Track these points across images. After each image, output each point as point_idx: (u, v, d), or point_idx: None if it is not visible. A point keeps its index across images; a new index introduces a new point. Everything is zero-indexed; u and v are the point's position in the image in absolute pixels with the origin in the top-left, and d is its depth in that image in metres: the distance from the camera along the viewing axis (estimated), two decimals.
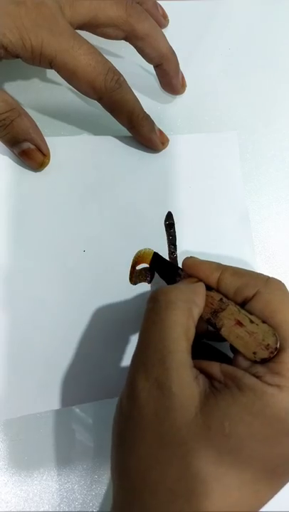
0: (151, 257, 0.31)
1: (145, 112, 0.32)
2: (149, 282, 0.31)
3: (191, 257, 0.28)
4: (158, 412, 0.21)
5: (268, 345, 0.22)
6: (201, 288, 0.25)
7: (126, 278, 0.31)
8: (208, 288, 0.25)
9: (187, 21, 0.39)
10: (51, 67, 0.29)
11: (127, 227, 0.32)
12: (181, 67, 0.35)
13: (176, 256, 0.32)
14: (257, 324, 0.23)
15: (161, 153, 0.34)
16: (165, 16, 0.38)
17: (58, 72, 0.29)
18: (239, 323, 0.23)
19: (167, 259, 0.31)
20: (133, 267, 0.31)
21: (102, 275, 0.30)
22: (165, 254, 0.32)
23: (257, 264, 0.33)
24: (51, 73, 0.34)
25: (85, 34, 0.30)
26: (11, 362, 0.28)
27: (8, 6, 0.28)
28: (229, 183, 0.34)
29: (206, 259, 0.27)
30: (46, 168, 0.32)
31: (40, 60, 0.29)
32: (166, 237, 0.32)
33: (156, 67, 0.34)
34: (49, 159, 0.32)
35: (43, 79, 0.35)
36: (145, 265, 0.31)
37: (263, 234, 0.34)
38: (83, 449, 0.28)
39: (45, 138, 0.31)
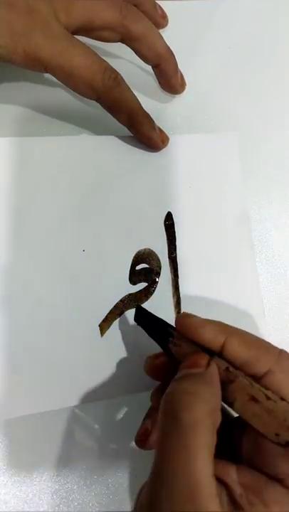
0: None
1: (145, 110, 0.32)
2: (148, 282, 0.31)
3: (185, 314, 0.24)
4: None
5: None
6: (217, 381, 0.21)
7: (126, 278, 0.31)
8: (210, 352, 0.22)
9: (187, 21, 0.39)
10: (46, 71, 0.29)
11: (127, 227, 0.32)
12: (181, 67, 0.35)
13: (176, 256, 0.32)
14: (275, 401, 0.20)
15: (161, 153, 0.34)
16: (164, 17, 0.37)
17: (54, 76, 0.29)
18: (254, 399, 0.20)
19: (166, 260, 0.31)
20: (133, 266, 0.31)
21: (102, 275, 0.30)
22: (165, 254, 0.32)
23: (257, 264, 0.33)
24: None
25: (81, 37, 0.30)
26: (11, 362, 0.28)
27: None
28: (229, 183, 0.34)
29: (207, 318, 0.23)
30: (46, 168, 0.32)
31: (33, 65, 0.28)
32: (166, 237, 0.32)
33: (154, 67, 0.34)
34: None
35: (42, 79, 0.35)
36: (145, 265, 0.31)
37: (263, 234, 0.34)
38: (83, 449, 0.27)
39: (44, 138, 0.31)
